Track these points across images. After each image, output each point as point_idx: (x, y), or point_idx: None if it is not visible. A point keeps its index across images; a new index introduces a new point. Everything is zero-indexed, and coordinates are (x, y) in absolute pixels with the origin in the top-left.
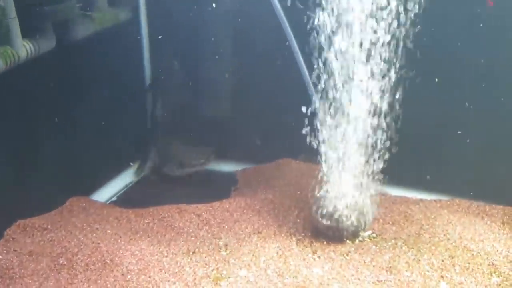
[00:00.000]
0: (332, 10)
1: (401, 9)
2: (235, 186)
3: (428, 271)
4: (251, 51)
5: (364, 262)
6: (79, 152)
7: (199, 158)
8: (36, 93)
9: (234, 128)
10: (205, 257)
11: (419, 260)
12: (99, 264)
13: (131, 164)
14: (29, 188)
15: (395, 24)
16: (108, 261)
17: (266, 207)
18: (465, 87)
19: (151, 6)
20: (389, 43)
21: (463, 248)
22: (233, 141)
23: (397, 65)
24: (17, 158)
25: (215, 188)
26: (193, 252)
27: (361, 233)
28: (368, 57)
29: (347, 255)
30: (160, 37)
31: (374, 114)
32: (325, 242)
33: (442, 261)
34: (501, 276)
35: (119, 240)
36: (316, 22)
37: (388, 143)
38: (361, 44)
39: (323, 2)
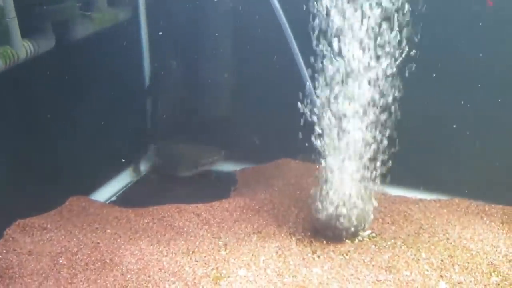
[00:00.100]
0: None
1: (400, 8)
2: (235, 186)
3: (428, 271)
4: (250, 51)
5: (364, 261)
6: (78, 151)
7: (210, 156)
8: (35, 93)
9: (233, 128)
10: (205, 256)
11: (419, 259)
12: (99, 263)
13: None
14: (29, 187)
15: (394, 24)
16: (108, 261)
17: (266, 207)
18: (465, 87)
19: (150, 6)
20: (387, 43)
21: (463, 248)
22: (232, 141)
23: (396, 65)
24: (17, 158)
25: (214, 188)
26: (193, 252)
27: (361, 233)
28: (366, 57)
29: (347, 254)
30: (160, 33)
31: (374, 114)
32: (324, 242)
33: (442, 260)
34: (501, 275)
35: (118, 240)
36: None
37: (387, 143)
38: (359, 43)
39: None
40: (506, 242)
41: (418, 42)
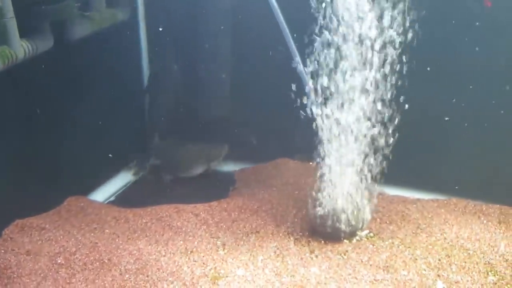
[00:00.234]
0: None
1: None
2: (234, 186)
3: (425, 270)
4: (249, 52)
5: (361, 261)
6: (77, 151)
7: (219, 153)
8: (33, 93)
9: (232, 128)
10: (203, 256)
11: (416, 259)
12: (97, 263)
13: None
14: (27, 187)
15: (392, 23)
16: (106, 261)
17: (264, 207)
18: (464, 87)
19: (149, 6)
20: (386, 43)
21: (460, 247)
22: (231, 141)
23: (394, 65)
24: (15, 158)
25: (213, 188)
26: (191, 252)
27: (359, 233)
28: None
29: (345, 254)
30: (160, 28)
31: (372, 114)
32: (322, 242)
33: (439, 260)
34: (497, 275)
35: (117, 240)
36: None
37: (385, 143)
38: (358, 42)
39: None
40: (503, 242)
41: (415, 41)
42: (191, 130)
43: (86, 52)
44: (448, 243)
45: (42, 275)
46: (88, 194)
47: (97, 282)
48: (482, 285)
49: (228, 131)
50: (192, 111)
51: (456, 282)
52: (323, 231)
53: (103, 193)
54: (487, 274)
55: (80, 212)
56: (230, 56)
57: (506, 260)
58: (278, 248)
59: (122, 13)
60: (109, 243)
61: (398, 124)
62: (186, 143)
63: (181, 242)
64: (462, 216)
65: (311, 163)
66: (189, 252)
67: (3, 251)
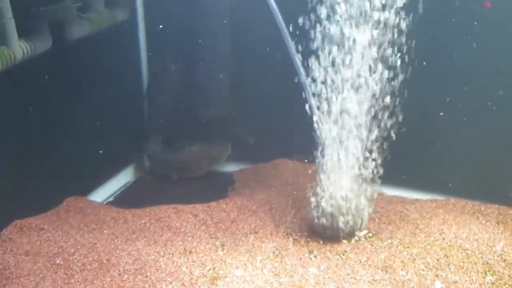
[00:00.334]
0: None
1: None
2: (232, 186)
3: (423, 270)
4: (247, 52)
5: (360, 261)
6: (76, 152)
7: (223, 153)
8: (32, 93)
9: (231, 128)
10: (202, 257)
11: (415, 259)
12: (96, 264)
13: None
14: (26, 188)
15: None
16: (105, 261)
17: (263, 207)
18: (461, 87)
19: (148, 7)
20: (384, 43)
21: (458, 248)
22: (230, 141)
23: (392, 64)
24: (14, 158)
25: (212, 188)
26: (190, 252)
27: (357, 233)
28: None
29: (343, 254)
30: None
31: (370, 114)
32: (321, 242)
33: (437, 260)
34: (496, 275)
35: (115, 240)
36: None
37: (384, 143)
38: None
39: None
40: (501, 241)
41: (413, 42)
42: (191, 130)
43: (84, 53)
44: (447, 243)
45: (40, 275)
46: (87, 195)
47: (96, 283)
48: (480, 285)
49: (227, 131)
50: (192, 112)
51: (454, 282)
52: (322, 232)
53: (102, 193)
54: (485, 274)
55: (79, 212)
56: (230, 57)
57: (504, 260)
58: (277, 249)
59: (121, 14)
60: (108, 244)
61: (396, 124)
62: (188, 144)
63: (180, 242)
64: (460, 216)
65: (305, 160)
66: (188, 253)
67: (1, 251)
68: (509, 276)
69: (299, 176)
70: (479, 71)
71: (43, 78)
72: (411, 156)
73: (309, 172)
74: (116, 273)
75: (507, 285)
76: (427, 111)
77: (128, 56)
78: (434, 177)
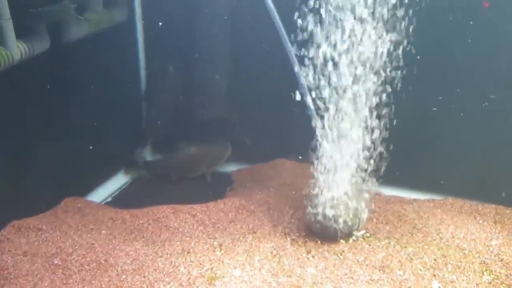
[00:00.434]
0: None
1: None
2: (231, 186)
3: (421, 270)
4: (246, 53)
5: (358, 261)
6: (74, 152)
7: (223, 153)
8: (30, 94)
9: (229, 129)
10: (200, 257)
11: (412, 259)
12: (94, 264)
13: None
14: (24, 188)
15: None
16: (103, 261)
17: (261, 207)
18: (459, 87)
19: (146, 8)
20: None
21: (456, 247)
22: (228, 142)
23: (390, 64)
24: (12, 159)
25: (210, 189)
26: (188, 252)
27: (355, 233)
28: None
29: (341, 254)
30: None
31: (368, 114)
32: (319, 242)
33: (435, 260)
34: (492, 274)
35: (113, 241)
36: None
37: (381, 143)
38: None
39: None
40: (495, 240)
41: (411, 42)
42: (190, 131)
43: (82, 54)
44: (444, 243)
45: (38, 276)
46: (85, 195)
47: (94, 283)
48: (477, 284)
49: (226, 132)
50: (190, 112)
51: (451, 282)
52: (319, 231)
53: (100, 194)
54: (482, 273)
55: (77, 213)
56: (228, 57)
57: (501, 260)
58: (275, 249)
59: (119, 14)
60: (106, 244)
61: (394, 124)
62: (187, 145)
63: (178, 242)
64: (458, 216)
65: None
66: (185, 253)
67: (0, 252)
68: (506, 275)
69: (298, 176)
70: (477, 71)
71: (41, 79)
72: (409, 156)
73: (307, 172)
74: (114, 273)
75: (504, 285)
76: (425, 111)
77: (126, 56)
78: (432, 177)
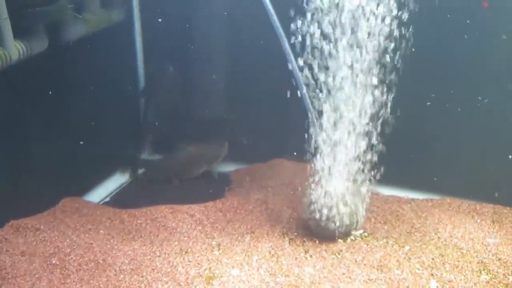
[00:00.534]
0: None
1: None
2: (229, 186)
3: (419, 269)
4: (243, 53)
5: (356, 261)
6: (72, 152)
7: (220, 151)
8: (28, 94)
9: (228, 129)
10: (198, 256)
11: (410, 258)
12: (92, 264)
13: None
14: (22, 188)
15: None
16: (101, 261)
17: (259, 207)
18: (457, 87)
19: (144, 7)
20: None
21: (453, 247)
22: (227, 141)
23: (389, 64)
24: (10, 159)
25: (208, 188)
26: (186, 252)
27: (353, 232)
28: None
29: (339, 254)
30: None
31: (366, 114)
32: (317, 241)
33: (433, 259)
34: (490, 273)
35: (111, 240)
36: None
37: (380, 143)
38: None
39: None
40: (496, 240)
41: (408, 42)
42: (187, 132)
43: (80, 53)
44: (442, 242)
45: (36, 275)
46: (83, 195)
47: (92, 283)
48: (475, 283)
49: (224, 131)
50: (188, 112)
51: (449, 281)
52: (317, 231)
53: (98, 194)
54: (480, 273)
55: (75, 212)
56: (226, 57)
57: (499, 259)
58: (273, 248)
59: (117, 14)
60: (104, 244)
61: (392, 124)
62: (185, 145)
63: (176, 242)
64: (456, 216)
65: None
66: (183, 253)
67: None
68: (503, 274)
69: (296, 176)
70: (476, 72)
71: (38, 78)
72: (407, 156)
73: (305, 172)
74: (112, 273)
75: (501, 284)
76: (423, 111)
77: (124, 56)
78: (430, 177)
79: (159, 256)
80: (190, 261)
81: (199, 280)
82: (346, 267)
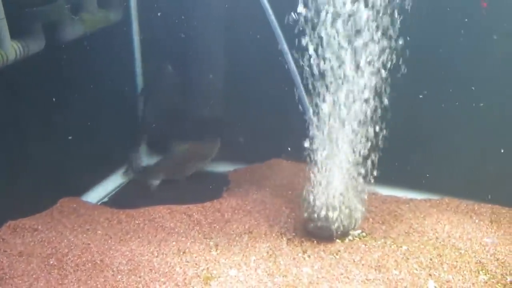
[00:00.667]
0: None
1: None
2: (227, 186)
3: (417, 270)
4: (242, 53)
5: (354, 261)
6: (70, 153)
7: (213, 148)
8: (25, 94)
9: (226, 129)
10: (196, 257)
11: (408, 258)
12: (90, 264)
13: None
14: (20, 188)
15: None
16: (99, 262)
17: (257, 207)
18: (455, 87)
19: (142, 7)
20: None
21: (452, 247)
22: (225, 141)
23: (388, 64)
24: (8, 159)
25: (206, 189)
26: (184, 252)
27: (351, 232)
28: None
29: (337, 254)
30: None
31: (365, 114)
32: (315, 242)
33: (431, 259)
34: (488, 274)
35: (109, 241)
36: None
37: (378, 143)
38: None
39: None
40: (494, 240)
41: (407, 41)
42: (185, 132)
43: (78, 54)
44: (440, 242)
45: (34, 276)
46: (81, 195)
47: (90, 283)
48: (473, 284)
49: (222, 132)
50: (186, 113)
51: (447, 281)
52: (315, 231)
53: (96, 194)
54: (478, 273)
55: (73, 213)
56: (224, 58)
57: (497, 259)
58: (270, 249)
59: (115, 14)
60: (102, 244)
61: (391, 124)
62: (179, 145)
63: (174, 243)
64: (454, 216)
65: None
66: (181, 253)
67: None
68: (501, 275)
69: (294, 177)
70: (475, 72)
71: (36, 78)
72: (405, 156)
73: (304, 172)
74: (109, 274)
75: (499, 284)
76: (422, 111)
77: (121, 56)
78: (428, 177)
79: (157, 257)
80: (188, 262)
81: (197, 280)
82: (344, 267)
